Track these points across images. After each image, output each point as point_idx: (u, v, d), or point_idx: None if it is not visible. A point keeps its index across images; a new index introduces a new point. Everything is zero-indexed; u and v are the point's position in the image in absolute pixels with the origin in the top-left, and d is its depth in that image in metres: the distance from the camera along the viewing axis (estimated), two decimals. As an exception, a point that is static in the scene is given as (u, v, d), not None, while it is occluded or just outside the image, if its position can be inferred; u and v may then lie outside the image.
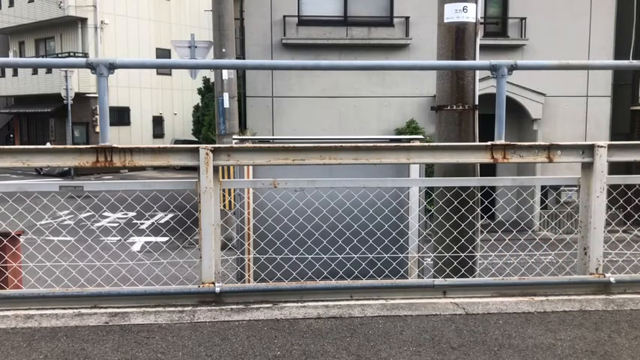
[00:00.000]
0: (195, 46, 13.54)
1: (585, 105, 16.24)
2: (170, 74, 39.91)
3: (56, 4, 36.42)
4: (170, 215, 16.67)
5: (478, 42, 4.59)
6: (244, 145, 3.77)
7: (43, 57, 36.16)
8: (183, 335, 3.14)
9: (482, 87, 15.53)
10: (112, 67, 3.67)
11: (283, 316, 3.42)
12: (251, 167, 4.62)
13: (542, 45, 15.52)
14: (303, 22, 15.40)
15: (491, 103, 15.13)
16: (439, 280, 3.87)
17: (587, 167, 3.90)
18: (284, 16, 15.12)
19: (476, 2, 4.45)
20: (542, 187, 15.97)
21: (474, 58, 4.51)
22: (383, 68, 5.46)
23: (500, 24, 16.16)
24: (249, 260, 4.64)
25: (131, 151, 3.69)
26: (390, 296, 3.72)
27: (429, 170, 6.63)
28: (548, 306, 3.58)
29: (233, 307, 3.57)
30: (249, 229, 4.62)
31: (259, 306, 3.58)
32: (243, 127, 15.40)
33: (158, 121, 41.19)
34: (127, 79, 37.92)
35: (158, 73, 39.58)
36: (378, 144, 3.91)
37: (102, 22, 37.36)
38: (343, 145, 3.89)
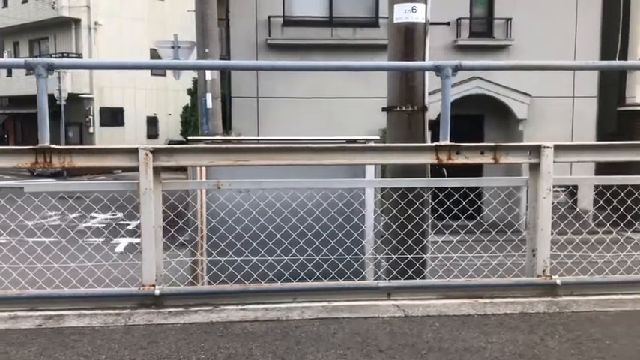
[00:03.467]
0: (179, 47, 13.50)
1: (571, 105, 16.21)
2: (164, 75, 39.79)
3: (49, 5, 36.37)
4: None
5: (428, 42, 4.55)
6: (185, 146, 3.74)
7: (37, 57, 36.06)
8: (113, 338, 3.10)
9: (466, 88, 15.64)
10: (50, 67, 3.63)
11: (220, 319, 3.38)
12: (204, 168, 4.58)
13: (528, 45, 15.47)
14: (289, 22, 15.35)
15: (476, 103, 15.17)
16: (383, 282, 3.84)
17: (535, 168, 3.87)
18: (269, 17, 15.08)
19: (425, 2, 4.42)
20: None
21: (424, 59, 4.47)
22: (326, 69, 5.41)
23: (485, 24, 16.12)
24: (201, 262, 4.61)
25: (70, 152, 3.65)
26: (334, 298, 3.68)
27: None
28: (490, 308, 3.55)
29: (172, 309, 3.54)
30: (202, 230, 4.59)
31: (199, 309, 3.54)
32: (228, 127, 15.36)
33: (152, 122, 41.13)
34: (120, 80, 37.87)
35: (152, 74, 39.51)
36: (325, 145, 3.89)
37: (96, 22, 37.30)
38: (287, 146, 3.86)
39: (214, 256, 4.21)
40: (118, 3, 37.57)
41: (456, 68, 3.65)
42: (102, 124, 38.65)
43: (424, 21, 4.42)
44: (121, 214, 15.44)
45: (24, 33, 39.48)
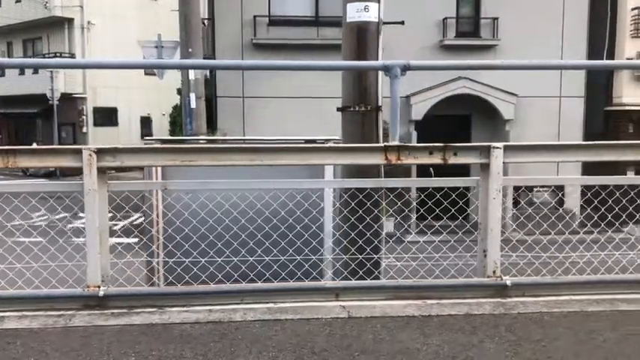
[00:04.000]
0: (162, 46, 13.45)
1: (559, 105, 16.20)
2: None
3: (42, 5, 36.29)
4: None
5: (381, 42, 4.52)
6: (129, 146, 3.70)
7: (30, 57, 36.02)
8: (48, 340, 3.07)
9: (452, 88, 15.63)
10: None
11: (161, 321, 3.35)
12: (159, 169, 4.54)
13: (515, 45, 15.46)
14: (274, 22, 15.33)
15: (464, 103, 15.12)
16: (331, 283, 3.81)
17: (485, 168, 3.84)
18: (254, 16, 15.06)
19: (378, 2, 4.39)
20: (517, 188, 15.95)
21: (377, 58, 4.44)
22: (278, 68, 5.36)
23: (472, 24, 16.11)
24: (157, 264, 4.57)
25: (14, 152, 3.61)
26: (282, 299, 3.65)
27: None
28: (435, 309, 3.52)
29: (115, 311, 3.50)
30: (157, 231, 4.55)
31: (142, 310, 3.51)
32: (214, 127, 15.33)
33: (146, 122, 41.04)
34: (114, 80, 37.79)
35: (146, 73, 39.35)
36: (272, 145, 3.85)
37: (89, 22, 37.20)
38: (236, 146, 3.83)
39: (164, 258, 4.18)
40: (110, 3, 37.48)
41: (405, 68, 3.62)
42: (95, 124, 38.58)
43: (377, 20, 4.39)
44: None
45: (17, 33, 39.38)
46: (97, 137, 36.89)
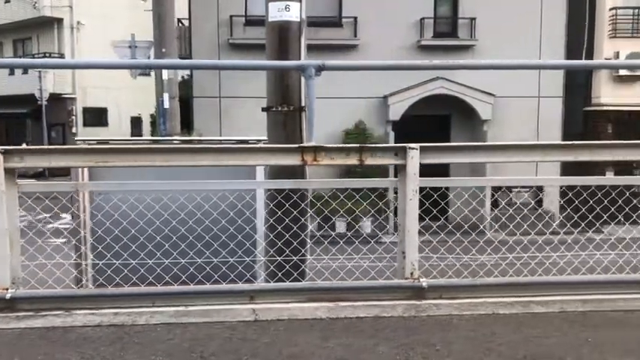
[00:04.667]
0: (136, 46, 13.41)
1: (537, 105, 16.19)
2: (149, 74, 39.51)
3: (31, 5, 36.19)
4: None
5: (303, 41, 4.48)
6: (37, 147, 3.66)
7: (20, 57, 35.92)
8: (-61, 344, 3.02)
9: (429, 88, 15.60)
10: None
11: (63, 324, 3.30)
12: (86, 169, 4.50)
13: (493, 45, 15.43)
14: (251, 22, 15.28)
15: (443, 103, 15.05)
16: (246, 285, 3.77)
17: (402, 169, 3.80)
18: (231, 16, 15.01)
19: (300, 1, 4.35)
20: (497, 189, 15.93)
21: (299, 58, 4.40)
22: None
23: (450, 24, 16.08)
24: (84, 265, 4.53)
25: None
26: (194, 302, 3.60)
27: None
28: (346, 312, 3.48)
29: (20, 314, 3.46)
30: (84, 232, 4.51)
31: (48, 313, 3.46)
32: (190, 128, 15.29)
33: (136, 122, 40.92)
34: (104, 80, 37.68)
35: (140, 74, 39.25)
36: (187, 146, 3.82)
37: (78, 22, 37.10)
38: (152, 147, 3.79)
39: (77, 259, 4.13)
40: (100, 3, 37.38)
41: (320, 68, 3.60)
42: (85, 125, 38.50)
43: (299, 20, 4.35)
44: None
45: (8, 33, 39.25)
46: (87, 137, 36.75)
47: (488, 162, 3.88)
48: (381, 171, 15.46)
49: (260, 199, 4.67)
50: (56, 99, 34.90)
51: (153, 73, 38.25)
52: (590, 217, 4.79)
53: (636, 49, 15.40)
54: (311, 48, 15.59)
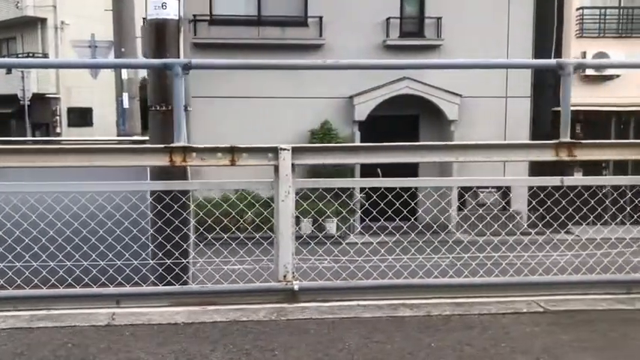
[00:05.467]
0: (96, 46, 13.31)
1: (504, 106, 16.13)
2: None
3: (14, 4, 36.02)
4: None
5: (181, 40, 4.41)
6: None
7: (5, 57, 35.74)
8: None
9: (395, 88, 15.53)
10: None
11: None
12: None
13: (459, 45, 15.36)
14: (215, 21, 15.20)
15: (411, 104, 14.92)
16: (113, 289, 3.68)
17: (275, 170, 3.72)
18: (194, 16, 14.92)
19: (178, -1, 4.27)
20: (466, 189, 15.87)
21: (177, 56, 4.33)
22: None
23: (416, 24, 16.02)
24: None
25: None
26: (59, 306, 3.52)
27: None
28: (205, 317, 3.40)
29: None
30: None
31: None
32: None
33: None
34: (89, 80, 37.37)
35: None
36: (59, 147, 3.73)
37: (62, 22, 36.91)
38: (13, 148, 3.70)
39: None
40: (84, 3, 37.17)
41: (186, 67, 3.50)
42: (70, 125, 38.28)
43: (176, 17, 4.28)
44: None
45: (-8, 33, 38.99)
46: (72, 137, 36.63)
47: (361, 163, 3.78)
48: (350, 170, 15.45)
49: (144, 201, 4.58)
50: (40, 99, 34.69)
51: (141, 73, 38.08)
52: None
53: (602, 49, 15.35)
54: (277, 47, 15.57)
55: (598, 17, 15.95)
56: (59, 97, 37.22)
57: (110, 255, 4.24)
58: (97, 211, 4.40)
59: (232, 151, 3.70)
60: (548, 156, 4.04)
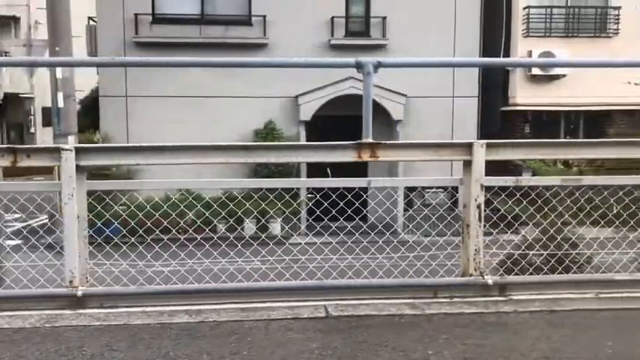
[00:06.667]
0: (31, 45, 13.19)
1: (452, 105, 16.07)
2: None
3: (-16, 4, 35.80)
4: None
5: None
6: None
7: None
8: None
9: (340, 88, 15.44)
10: None
11: None
12: None
13: (404, 45, 15.26)
14: (158, 20, 15.08)
15: (352, 103, 14.84)
16: None
17: (62, 172, 3.63)
18: (135, 14, 14.79)
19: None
20: (412, 189, 15.79)
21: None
22: None
23: (362, 23, 15.93)
24: None
25: None
26: None
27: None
28: (20, 322, 3.33)
29: None
30: None
31: None
32: (97, 128, 15.08)
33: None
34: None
35: (98, 73, 38.92)
36: None
37: (36, 21, 36.68)
38: None
39: None
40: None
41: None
42: (45, 125, 38.05)
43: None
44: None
45: (-36, 32, 38.76)
46: (45, 137, 36.43)
47: (144, 163, 3.67)
48: (295, 171, 15.34)
49: None
50: (13, 98, 34.44)
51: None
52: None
53: (548, 49, 15.29)
54: (221, 46, 15.45)
55: (544, 16, 15.90)
56: (33, 97, 37.00)
57: None
58: None
59: (14, 152, 3.60)
60: (350, 157, 3.96)
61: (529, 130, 16.60)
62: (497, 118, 16.81)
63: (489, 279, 3.81)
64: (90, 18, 16.17)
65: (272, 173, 14.33)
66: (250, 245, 5.93)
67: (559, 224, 5.00)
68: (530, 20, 15.86)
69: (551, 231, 4.65)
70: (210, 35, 15.15)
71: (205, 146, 3.60)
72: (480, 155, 3.82)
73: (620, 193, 4.71)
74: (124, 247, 4.39)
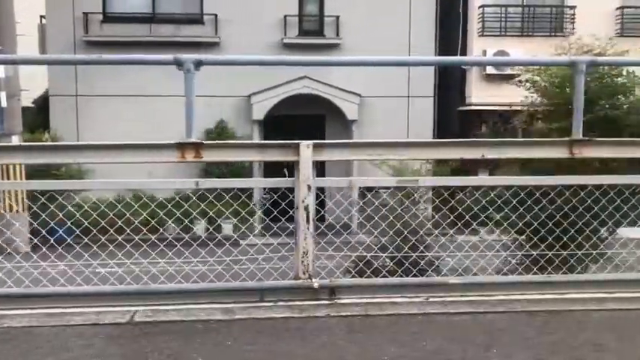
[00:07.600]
0: (-26, 44, 13.01)
1: (407, 105, 15.99)
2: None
3: (-39, 1, 35.47)
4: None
5: None
6: None
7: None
8: None
9: (295, 87, 15.34)
10: None
11: None
12: None
13: (358, 44, 15.19)
14: (108, 19, 14.95)
15: (315, 103, 14.72)
16: None
17: None
18: (84, 13, 14.66)
19: None
20: (369, 189, 15.69)
21: None
22: None
23: (316, 22, 15.84)
24: None
25: None
26: None
27: None
28: None
29: None
30: None
31: None
32: (46, 128, 14.95)
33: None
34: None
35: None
36: None
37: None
38: None
39: None
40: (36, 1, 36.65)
41: None
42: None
43: None
44: None
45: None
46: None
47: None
48: (247, 170, 15.24)
49: None
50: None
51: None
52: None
53: (503, 48, 15.22)
54: (172, 45, 15.30)
55: (499, 16, 15.85)
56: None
57: None
58: None
59: None
60: (172, 157, 3.88)
61: (485, 129, 16.52)
62: (455, 117, 16.74)
63: (316, 282, 3.72)
64: (42, 17, 16.03)
65: (224, 173, 14.22)
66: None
67: (414, 226, 4.94)
68: (485, 19, 15.80)
69: (391, 233, 4.57)
70: (161, 34, 15.03)
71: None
72: (307, 156, 3.73)
73: (477, 194, 4.65)
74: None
